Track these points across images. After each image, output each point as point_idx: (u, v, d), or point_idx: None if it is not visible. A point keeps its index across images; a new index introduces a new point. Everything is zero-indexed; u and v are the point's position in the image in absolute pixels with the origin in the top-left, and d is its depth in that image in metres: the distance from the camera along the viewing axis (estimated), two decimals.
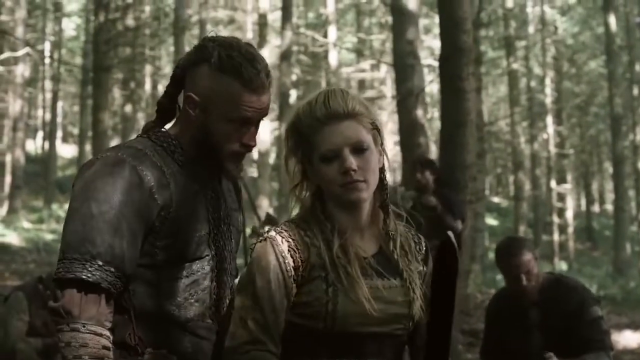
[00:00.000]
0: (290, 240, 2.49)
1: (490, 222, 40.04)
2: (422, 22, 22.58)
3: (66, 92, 50.15)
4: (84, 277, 2.38)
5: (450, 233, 2.33)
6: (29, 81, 37.48)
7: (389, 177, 2.65)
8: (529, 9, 36.48)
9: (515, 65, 31.64)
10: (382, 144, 2.57)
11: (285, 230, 2.52)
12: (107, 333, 2.43)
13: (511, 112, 31.52)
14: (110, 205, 2.44)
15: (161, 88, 41.01)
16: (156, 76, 41.72)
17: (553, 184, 37.90)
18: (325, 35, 32.22)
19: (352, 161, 2.44)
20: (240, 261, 3.00)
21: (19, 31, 26.30)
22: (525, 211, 34.55)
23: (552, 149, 37.36)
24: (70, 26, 48.26)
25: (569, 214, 38.75)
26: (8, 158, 31.91)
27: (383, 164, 2.58)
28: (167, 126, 2.78)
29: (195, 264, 2.62)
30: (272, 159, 26.44)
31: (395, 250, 2.57)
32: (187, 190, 2.62)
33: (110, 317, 2.46)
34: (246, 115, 2.61)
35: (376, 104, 33.60)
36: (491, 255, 32.67)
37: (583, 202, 50.36)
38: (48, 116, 42.49)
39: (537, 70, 39.49)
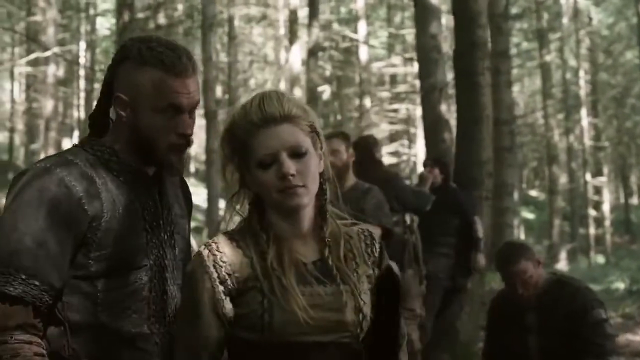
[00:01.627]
0: (217, 252, 2.41)
1: (526, 216, 39.81)
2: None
3: None
4: (6, 291, 2.36)
5: (392, 263, 2.21)
6: (63, 81, 37.70)
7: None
8: (562, 0, 36.10)
9: (548, 58, 31.34)
10: (321, 147, 2.48)
11: (215, 243, 2.45)
12: (38, 340, 2.41)
13: (544, 105, 31.25)
14: (35, 218, 2.41)
15: None
16: None
17: (588, 176, 37.56)
18: (355, 31, 32.12)
19: (290, 165, 2.35)
20: None
21: (50, 32, 26.45)
22: (562, 204, 34.28)
23: (587, 142, 37.02)
24: (105, 25, 48.53)
25: (606, 207, 38.40)
26: (42, 157, 32.05)
27: (324, 169, 2.49)
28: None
29: (132, 275, 2.56)
30: None
31: (338, 255, 2.47)
32: (121, 200, 2.56)
33: (40, 328, 2.43)
34: (174, 102, 2.55)
35: (408, 99, 33.53)
36: None
37: (622, 194, 49.87)
38: (83, 115, 42.79)
39: (572, 62, 39.12)
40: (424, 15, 13.32)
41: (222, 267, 2.40)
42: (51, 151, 29.92)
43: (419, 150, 32.40)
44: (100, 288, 2.51)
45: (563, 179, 36.93)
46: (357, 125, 33.97)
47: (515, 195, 26.37)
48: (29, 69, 32.70)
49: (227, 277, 2.39)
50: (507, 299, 5.37)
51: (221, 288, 2.39)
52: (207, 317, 2.39)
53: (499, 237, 17.10)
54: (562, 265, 27.26)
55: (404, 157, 36.98)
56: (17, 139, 40.05)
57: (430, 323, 8.32)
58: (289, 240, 2.45)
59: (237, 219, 2.57)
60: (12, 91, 45.72)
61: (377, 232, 2.67)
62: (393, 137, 37.58)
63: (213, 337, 2.40)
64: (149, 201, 2.65)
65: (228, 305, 2.40)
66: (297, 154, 2.38)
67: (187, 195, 2.88)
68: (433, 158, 9.46)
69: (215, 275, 2.39)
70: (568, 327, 5.00)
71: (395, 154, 35.20)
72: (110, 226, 2.51)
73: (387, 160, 28.87)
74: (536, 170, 55.82)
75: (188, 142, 2.62)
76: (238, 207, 2.53)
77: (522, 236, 33.94)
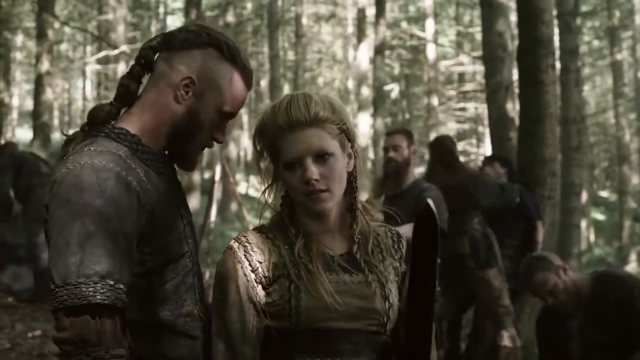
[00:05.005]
0: (247, 244, 2.49)
1: (596, 217, 39.21)
2: None
3: None
4: (98, 300, 2.17)
5: (429, 201, 2.15)
6: None
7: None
8: None
9: (619, 56, 30.85)
10: (352, 146, 2.53)
11: (244, 236, 2.53)
12: (127, 353, 2.26)
13: (615, 104, 30.76)
14: (106, 219, 2.23)
15: (264, 84, 41.34)
16: (259, 72, 42.05)
17: None
18: (424, 29, 31.96)
19: (314, 170, 2.42)
20: None
21: (120, 30, 26.72)
22: (634, 205, 33.73)
23: None
24: (175, 23, 49.00)
25: None
26: None
27: (354, 167, 2.54)
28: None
29: (180, 263, 2.52)
30: (371, 153, 26.36)
31: (366, 250, 2.53)
32: (161, 190, 2.48)
33: (124, 335, 2.29)
34: (235, 111, 2.55)
35: (476, 97, 33.26)
36: (596, 251, 31.99)
37: None
38: None
39: None
40: (490, 13, 13.20)
41: (252, 255, 2.47)
42: None
43: (488, 149, 32.15)
44: (155, 282, 2.44)
45: (634, 180, 36.35)
46: (425, 124, 33.84)
47: (585, 196, 25.99)
48: (99, 66, 33.12)
49: (258, 265, 2.46)
50: (551, 311, 5.25)
51: (253, 276, 2.45)
52: (243, 305, 2.45)
53: (565, 238, 16.89)
54: (633, 267, 26.82)
55: (472, 157, 36.72)
56: None
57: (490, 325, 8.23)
58: (317, 235, 2.53)
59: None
60: (84, 89, 46.46)
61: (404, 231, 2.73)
62: (461, 136, 37.35)
63: (251, 325, 2.45)
64: (177, 188, 2.64)
65: (261, 293, 2.46)
66: (322, 157, 2.43)
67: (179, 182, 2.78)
68: (491, 155, 9.37)
69: (247, 264, 2.46)
70: (618, 318, 4.82)
71: (463, 153, 34.97)
72: (159, 218, 2.43)
73: None
74: (607, 170, 54.94)
75: (210, 146, 2.62)
76: (270, 200, 2.59)
77: (592, 237, 33.45)
